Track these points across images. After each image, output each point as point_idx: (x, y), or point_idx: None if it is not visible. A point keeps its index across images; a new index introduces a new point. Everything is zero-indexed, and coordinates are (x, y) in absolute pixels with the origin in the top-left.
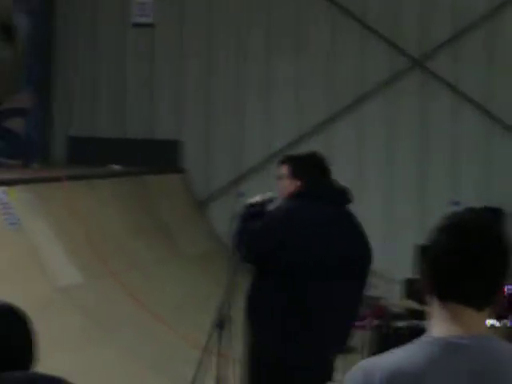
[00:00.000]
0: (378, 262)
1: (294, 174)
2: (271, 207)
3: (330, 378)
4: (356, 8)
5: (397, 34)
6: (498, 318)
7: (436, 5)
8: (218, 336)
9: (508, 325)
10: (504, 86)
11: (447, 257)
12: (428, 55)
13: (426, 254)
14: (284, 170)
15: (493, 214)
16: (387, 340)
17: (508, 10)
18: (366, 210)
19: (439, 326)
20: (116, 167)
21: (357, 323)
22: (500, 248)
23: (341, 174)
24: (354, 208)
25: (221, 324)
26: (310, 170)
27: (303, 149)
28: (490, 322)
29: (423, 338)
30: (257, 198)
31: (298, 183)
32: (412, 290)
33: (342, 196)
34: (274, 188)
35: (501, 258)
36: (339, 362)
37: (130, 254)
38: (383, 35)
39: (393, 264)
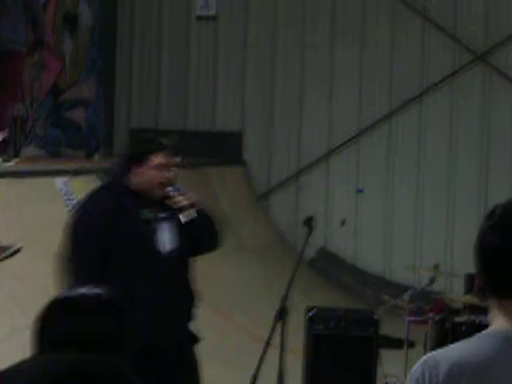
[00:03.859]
0: (440, 256)
1: None
2: None
3: None
4: (418, 1)
5: (460, 27)
6: None
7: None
8: (279, 328)
9: None
10: None
11: (498, 255)
12: (491, 50)
13: (480, 251)
14: (178, 161)
15: None
16: (448, 335)
17: None
18: (427, 204)
19: (500, 320)
20: (177, 159)
21: (417, 318)
22: None
23: (402, 168)
24: (416, 202)
25: (282, 316)
26: None
27: (364, 142)
28: None
29: (486, 332)
30: None
31: None
32: (473, 285)
33: None
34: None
35: None
36: (399, 356)
37: None
38: (446, 29)
39: (454, 259)
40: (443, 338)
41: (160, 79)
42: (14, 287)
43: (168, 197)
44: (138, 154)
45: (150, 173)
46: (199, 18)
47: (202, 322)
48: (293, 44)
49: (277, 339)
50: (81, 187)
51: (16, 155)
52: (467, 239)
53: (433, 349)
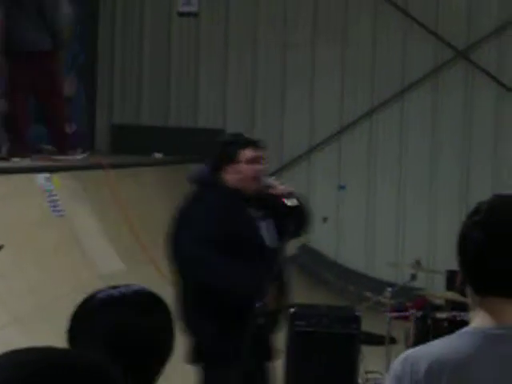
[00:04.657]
0: (422, 252)
1: None
2: None
3: None
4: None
5: (441, 24)
6: None
7: None
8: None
9: None
10: None
11: (482, 251)
12: (472, 47)
13: (463, 247)
14: (265, 154)
15: None
16: (429, 331)
17: None
18: (408, 201)
19: (481, 317)
20: (159, 155)
21: (399, 314)
22: None
23: (384, 164)
24: (398, 198)
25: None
26: None
27: (346, 139)
28: None
29: (466, 329)
30: None
31: None
32: (454, 281)
33: None
34: (318, 178)
35: None
36: (381, 353)
37: None
38: (427, 26)
39: (436, 255)
40: (425, 334)
41: (142, 75)
42: None
43: (267, 187)
44: (228, 152)
45: (243, 168)
46: (181, 14)
47: None
48: (274, 41)
49: None
50: (62, 184)
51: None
52: (449, 236)
53: (414, 345)
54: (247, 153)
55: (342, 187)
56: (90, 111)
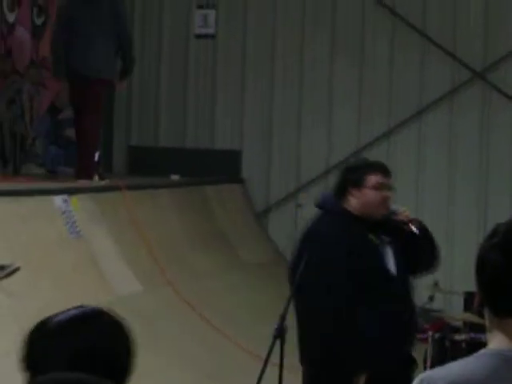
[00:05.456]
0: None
1: None
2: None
3: None
4: (417, 19)
5: (458, 45)
6: None
7: (499, 17)
8: (277, 346)
9: None
10: None
11: (500, 273)
12: (490, 68)
13: (481, 269)
14: (392, 181)
15: None
16: (447, 353)
17: None
18: (426, 221)
19: (499, 339)
20: (176, 177)
21: (417, 336)
22: None
23: (401, 186)
24: None
25: (281, 334)
26: None
27: None
28: None
29: (484, 351)
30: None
31: None
32: (472, 303)
33: None
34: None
35: None
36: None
37: (189, 263)
38: (444, 47)
39: (454, 276)
40: (443, 356)
41: (159, 97)
42: (12, 306)
43: (392, 214)
44: (355, 177)
45: (369, 193)
46: (198, 36)
47: (199, 339)
48: (291, 62)
49: (275, 357)
50: (80, 205)
51: (15, 172)
52: (467, 257)
53: (432, 367)
54: (374, 178)
55: None
56: (108, 132)
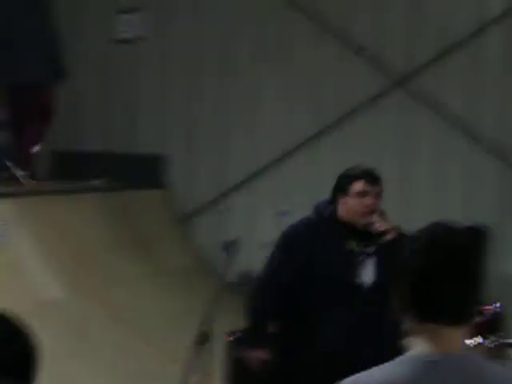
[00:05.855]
0: None
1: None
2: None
3: None
4: (340, 27)
5: (381, 53)
6: (478, 338)
7: (420, 25)
8: (199, 352)
9: (488, 345)
10: (486, 107)
11: (422, 278)
12: (412, 75)
13: (401, 274)
14: (381, 188)
15: (475, 233)
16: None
17: (492, 31)
18: None
19: (420, 344)
20: (99, 182)
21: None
22: (473, 263)
23: (324, 191)
24: None
25: (202, 340)
26: None
27: (288, 165)
28: (470, 341)
29: (405, 356)
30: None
31: None
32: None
33: None
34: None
35: (475, 273)
36: None
37: (112, 269)
38: (365, 56)
39: None
40: None
41: (82, 102)
42: None
43: (371, 224)
44: (341, 184)
45: (352, 200)
46: (121, 40)
47: (123, 346)
48: (215, 66)
49: (198, 364)
50: (3, 210)
51: None
52: None
53: None
54: (356, 186)
55: (283, 214)
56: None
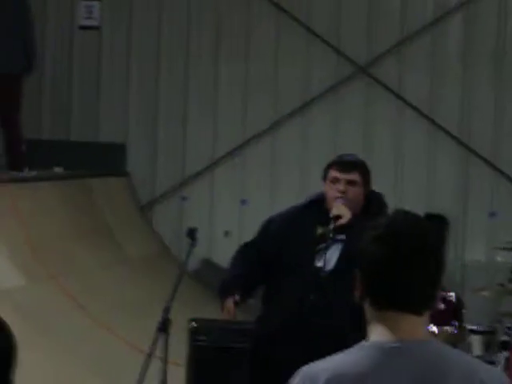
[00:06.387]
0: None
1: (367, 184)
2: None
3: None
4: (301, 13)
5: (343, 40)
6: (439, 325)
7: (382, 11)
8: (161, 340)
9: (449, 331)
10: (447, 94)
11: (380, 266)
12: (373, 62)
13: (362, 261)
14: (357, 176)
15: (435, 221)
16: None
17: (453, 18)
18: None
19: (378, 331)
20: (59, 170)
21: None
22: (433, 252)
23: (284, 180)
24: None
25: (164, 328)
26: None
27: (248, 153)
28: (431, 329)
29: (364, 343)
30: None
31: (364, 194)
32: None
33: None
34: (220, 193)
35: (434, 261)
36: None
37: (72, 257)
38: (328, 41)
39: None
40: None
41: (43, 89)
42: None
43: (331, 209)
44: (324, 171)
45: (327, 187)
46: (82, 27)
47: (83, 334)
48: (176, 54)
49: (159, 351)
50: None
51: None
52: None
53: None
54: (331, 172)
55: (243, 202)
56: None
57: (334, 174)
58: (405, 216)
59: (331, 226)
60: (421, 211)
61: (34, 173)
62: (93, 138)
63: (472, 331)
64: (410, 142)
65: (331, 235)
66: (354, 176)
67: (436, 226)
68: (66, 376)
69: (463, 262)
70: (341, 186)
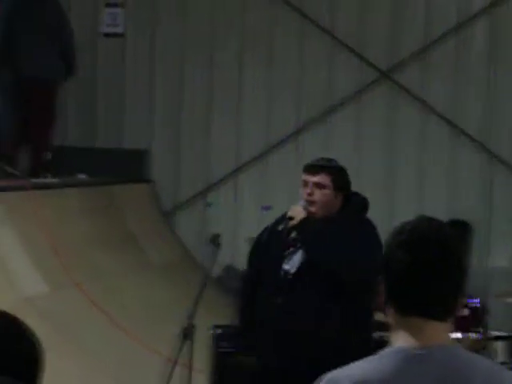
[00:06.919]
0: None
1: (340, 187)
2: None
3: None
4: (325, 19)
5: (366, 45)
6: (463, 332)
7: (405, 17)
8: (184, 346)
9: (473, 338)
10: (470, 99)
11: (403, 272)
12: (396, 67)
13: (387, 266)
14: (323, 179)
15: (458, 227)
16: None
17: (476, 23)
18: None
19: (403, 337)
20: (83, 176)
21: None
22: (456, 258)
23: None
24: None
25: (188, 334)
26: (349, 183)
27: (272, 159)
28: (453, 335)
29: (388, 350)
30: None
31: (340, 197)
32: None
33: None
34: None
35: (458, 268)
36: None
37: (96, 264)
38: (352, 47)
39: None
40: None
41: (67, 96)
42: None
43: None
44: None
45: (300, 191)
46: (106, 34)
47: (106, 340)
48: (201, 62)
49: (183, 358)
50: None
51: None
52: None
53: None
54: (302, 176)
55: (267, 208)
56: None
57: (303, 177)
58: (428, 222)
59: (285, 228)
60: (444, 217)
61: (56, 179)
62: (117, 145)
63: (496, 337)
64: (433, 147)
65: (293, 237)
66: (321, 178)
67: (460, 232)
68: (91, 382)
69: (487, 267)
70: (308, 189)
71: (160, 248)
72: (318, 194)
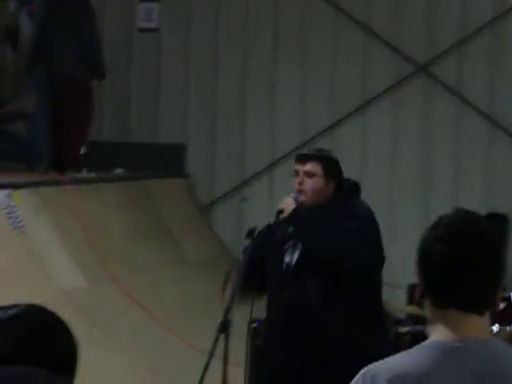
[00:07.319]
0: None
1: (332, 174)
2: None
3: None
4: (360, 13)
5: (401, 39)
6: (500, 324)
7: (442, 10)
8: (222, 341)
9: (509, 331)
10: (508, 93)
11: (440, 265)
12: (433, 61)
13: (424, 259)
14: (313, 167)
15: (496, 220)
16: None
17: None
18: None
19: (440, 330)
20: (120, 171)
21: None
22: (494, 251)
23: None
24: None
25: (225, 328)
26: (341, 171)
27: None
28: (491, 328)
29: (426, 343)
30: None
31: (332, 185)
32: (415, 295)
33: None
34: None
35: (495, 261)
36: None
37: (133, 258)
38: (387, 40)
39: (396, 269)
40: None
41: (103, 91)
42: None
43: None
44: None
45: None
46: (141, 29)
47: (143, 334)
48: (235, 56)
49: (219, 351)
50: (23, 200)
51: None
52: (409, 250)
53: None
54: (294, 166)
55: (244, 199)
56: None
57: (294, 167)
58: (466, 215)
59: (275, 221)
60: (482, 210)
61: (92, 174)
62: (153, 140)
63: None
64: (470, 141)
65: (290, 230)
66: (311, 167)
67: (497, 225)
68: (127, 375)
69: None
70: (299, 178)
71: (196, 242)
72: (308, 183)
